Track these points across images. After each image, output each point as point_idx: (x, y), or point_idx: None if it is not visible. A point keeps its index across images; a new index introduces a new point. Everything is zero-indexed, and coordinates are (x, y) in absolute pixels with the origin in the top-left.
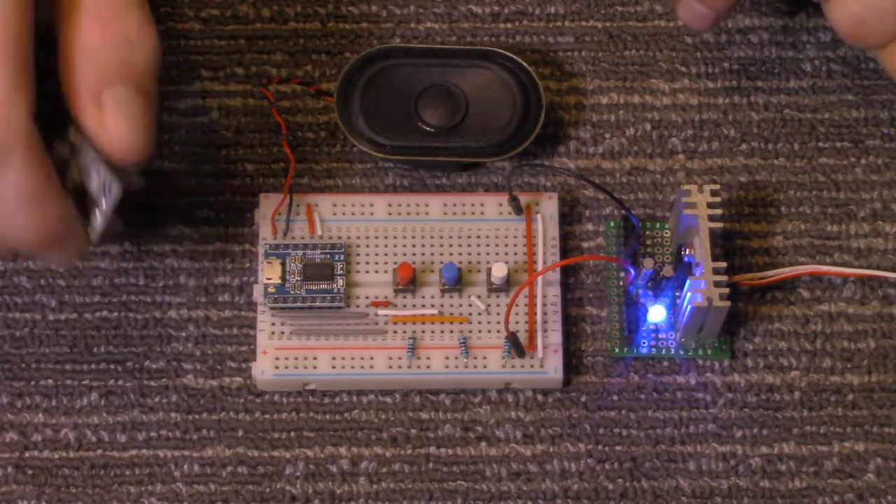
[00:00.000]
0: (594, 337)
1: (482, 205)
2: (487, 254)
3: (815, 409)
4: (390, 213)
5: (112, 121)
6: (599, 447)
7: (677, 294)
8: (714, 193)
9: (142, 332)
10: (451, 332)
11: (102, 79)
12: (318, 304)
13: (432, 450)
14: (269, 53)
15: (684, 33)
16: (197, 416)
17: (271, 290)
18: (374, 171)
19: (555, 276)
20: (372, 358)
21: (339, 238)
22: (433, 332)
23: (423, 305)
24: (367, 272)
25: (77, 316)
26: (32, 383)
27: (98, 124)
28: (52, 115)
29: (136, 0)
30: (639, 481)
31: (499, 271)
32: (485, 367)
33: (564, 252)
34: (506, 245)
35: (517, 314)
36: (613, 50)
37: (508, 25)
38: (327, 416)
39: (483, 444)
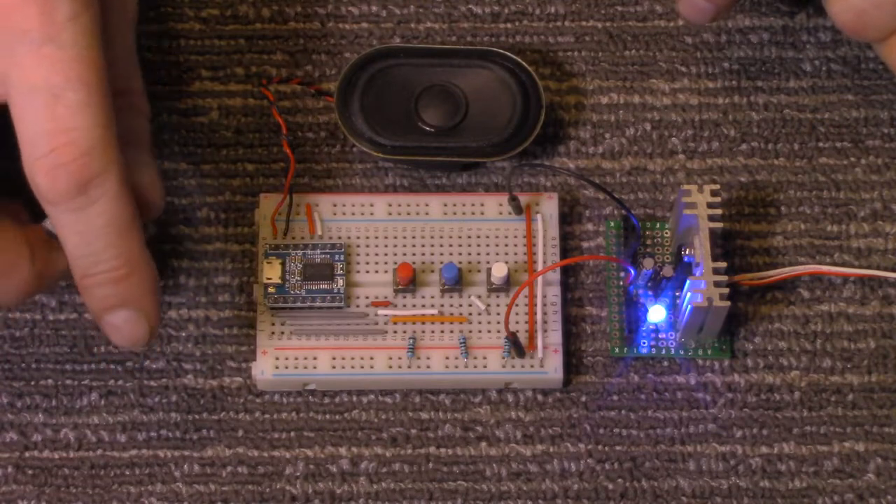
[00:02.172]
0: (594, 337)
1: (482, 205)
2: (487, 254)
3: (815, 409)
4: (390, 213)
5: (140, 184)
6: (599, 447)
7: (677, 294)
8: (714, 193)
9: None
10: (451, 332)
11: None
12: (318, 304)
13: (432, 450)
14: (269, 53)
15: (684, 33)
16: (197, 416)
17: (271, 290)
18: (374, 171)
19: (555, 276)
20: (372, 358)
21: (339, 238)
22: (433, 332)
23: (423, 305)
24: (367, 272)
25: (77, 316)
26: (32, 383)
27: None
28: None
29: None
30: (639, 481)
31: (499, 271)
32: (485, 367)
33: (564, 252)
34: (506, 245)
35: (517, 314)
36: (613, 50)
37: (508, 25)
38: (327, 416)
39: (483, 444)
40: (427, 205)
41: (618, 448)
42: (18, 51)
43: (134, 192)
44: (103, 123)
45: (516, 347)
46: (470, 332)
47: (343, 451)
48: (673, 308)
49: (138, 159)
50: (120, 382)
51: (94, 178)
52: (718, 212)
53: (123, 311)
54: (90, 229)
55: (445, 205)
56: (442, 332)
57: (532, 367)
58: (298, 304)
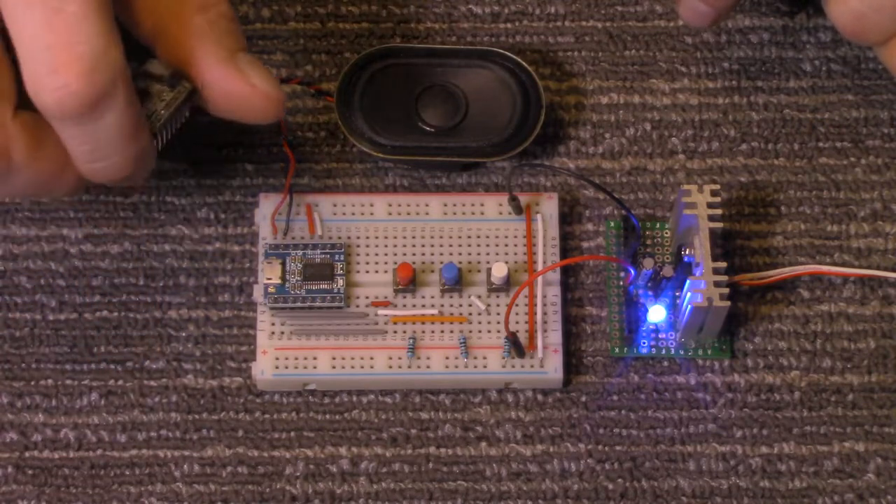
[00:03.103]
0: (594, 337)
1: (482, 205)
2: (487, 254)
3: (815, 409)
4: (390, 213)
5: (259, 81)
6: (599, 447)
7: (677, 294)
8: (714, 193)
9: (142, 332)
10: (451, 332)
11: (230, 44)
12: (318, 304)
13: (432, 450)
14: (269, 53)
15: (684, 33)
16: (197, 416)
17: (271, 290)
18: (374, 171)
19: (555, 276)
20: (372, 358)
21: (339, 238)
22: (433, 332)
23: (423, 305)
24: (367, 272)
25: (77, 316)
26: (32, 383)
27: (245, 86)
28: None
29: None
30: (639, 481)
31: (499, 271)
32: (485, 367)
33: (564, 252)
34: (506, 245)
35: (517, 314)
36: (613, 50)
37: (508, 25)
38: (327, 416)
39: (483, 444)
40: (427, 205)
41: (618, 448)
42: None
43: (257, 93)
44: (106, 33)
45: (516, 347)
46: (470, 332)
47: (343, 451)
48: (673, 308)
49: (246, 63)
50: (120, 382)
51: (102, 95)
52: (718, 212)
53: (122, 181)
54: (97, 140)
55: (445, 205)
56: (442, 332)
57: (532, 367)
58: (298, 304)
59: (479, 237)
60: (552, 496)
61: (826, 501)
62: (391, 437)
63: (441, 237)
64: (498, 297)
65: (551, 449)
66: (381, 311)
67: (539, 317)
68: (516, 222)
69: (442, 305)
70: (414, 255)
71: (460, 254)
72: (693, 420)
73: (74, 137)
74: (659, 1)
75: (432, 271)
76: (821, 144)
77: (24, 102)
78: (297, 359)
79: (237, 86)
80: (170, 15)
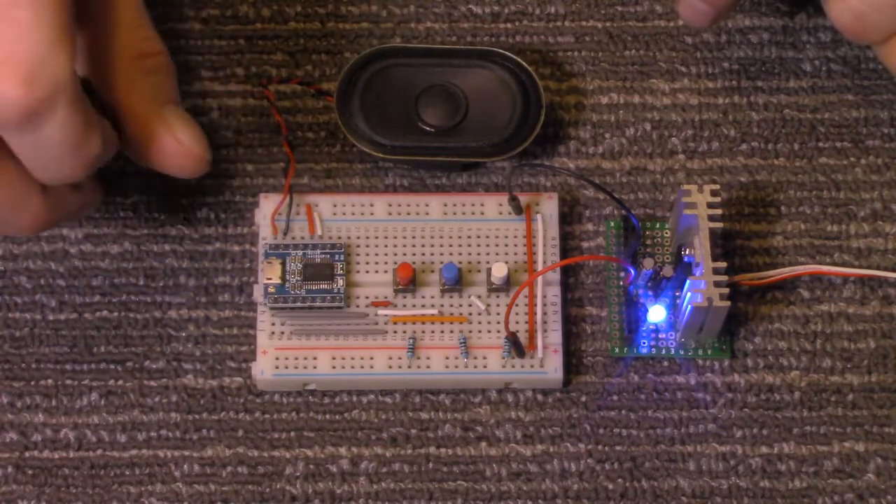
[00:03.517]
0: (594, 337)
1: (482, 205)
2: (487, 254)
3: (815, 409)
4: (390, 213)
5: (185, 137)
6: (599, 447)
7: (677, 294)
8: (714, 193)
9: (142, 332)
10: (451, 332)
11: (161, 96)
12: (318, 304)
13: (432, 450)
14: (269, 53)
15: (684, 33)
16: (197, 416)
17: (271, 290)
18: (374, 171)
19: (555, 276)
20: (372, 358)
21: (339, 238)
22: (433, 332)
23: (423, 305)
24: (367, 272)
25: (77, 316)
26: (32, 383)
27: (168, 140)
28: None
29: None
30: (639, 481)
31: (499, 271)
32: (485, 367)
33: (564, 252)
34: (506, 245)
35: (517, 314)
36: (613, 50)
37: (508, 25)
38: (327, 416)
39: (483, 444)
40: (427, 205)
41: (618, 448)
42: None
43: (180, 149)
44: (52, 42)
45: (516, 347)
46: (470, 332)
47: (343, 451)
48: (673, 308)
49: (174, 116)
50: (120, 382)
51: (40, 106)
52: (718, 212)
53: (76, 194)
54: (38, 149)
55: (445, 205)
56: (442, 332)
57: (532, 367)
58: (298, 304)
59: (479, 237)
60: (552, 496)
61: (826, 501)
62: (391, 437)
63: (441, 237)
64: (498, 297)
65: (551, 449)
66: (381, 311)
67: (539, 317)
68: (516, 222)
69: (442, 305)
70: (414, 255)
71: (460, 254)
72: (693, 420)
73: (16, 146)
74: (659, 1)
75: (432, 271)
76: (821, 144)
77: None
78: (297, 359)
79: (160, 139)
80: (107, 57)
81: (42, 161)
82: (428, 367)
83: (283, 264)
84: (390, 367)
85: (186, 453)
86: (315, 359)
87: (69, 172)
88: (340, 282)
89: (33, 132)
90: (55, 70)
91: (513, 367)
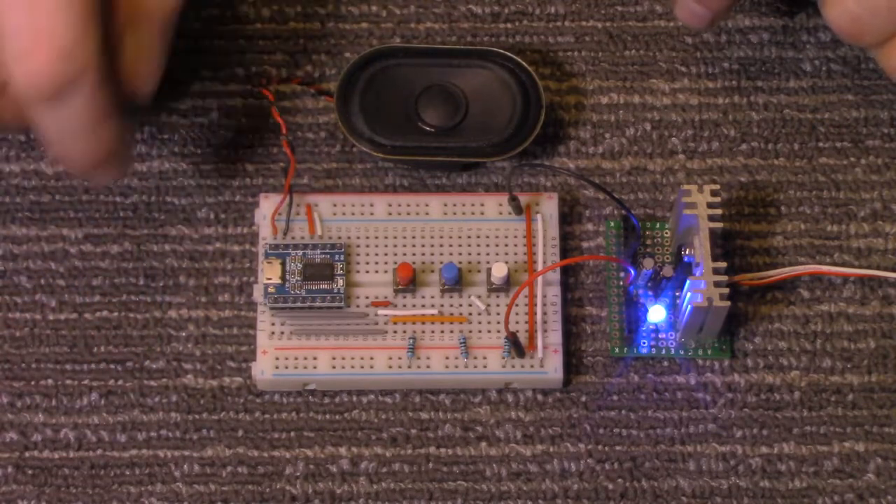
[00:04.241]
0: (594, 337)
1: (482, 205)
2: (487, 254)
3: (815, 409)
4: (390, 213)
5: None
6: (599, 447)
7: (677, 294)
8: (714, 193)
9: (142, 332)
10: (451, 332)
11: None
12: (318, 304)
13: (432, 450)
14: (269, 53)
15: (684, 33)
16: (197, 416)
17: (271, 290)
18: (374, 171)
19: (555, 276)
20: (372, 358)
21: (339, 238)
22: (433, 332)
23: (423, 305)
24: (367, 272)
25: (77, 316)
26: (32, 383)
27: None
28: None
29: None
30: (639, 481)
31: (499, 271)
32: (485, 367)
33: (564, 252)
34: (506, 245)
35: (517, 314)
36: (613, 50)
37: (508, 25)
38: (327, 416)
39: (483, 444)
40: (427, 205)
41: (618, 448)
42: None
43: (127, 71)
44: (83, 23)
45: (516, 347)
46: (470, 332)
47: (343, 451)
48: (673, 308)
49: (137, 39)
50: (120, 382)
51: (70, 82)
52: (718, 212)
53: (97, 171)
54: (65, 123)
55: (445, 205)
56: (442, 332)
57: (532, 367)
58: (298, 304)
59: (479, 237)
60: (552, 496)
61: (826, 501)
62: (391, 437)
63: (441, 237)
64: (498, 297)
65: (551, 449)
66: (381, 311)
67: (539, 317)
68: (516, 222)
69: (442, 305)
70: (414, 255)
71: (460, 254)
72: (693, 420)
73: (43, 118)
74: (659, 1)
75: (432, 271)
76: (821, 144)
77: None
78: (297, 359)
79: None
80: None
81: (63, 137)
82: (428, 367)
83: (283, 264)
84: (390, 367)
85: (186, 453)
86: (315, 359)
87: (88, 153)
88: (340, 282)
89: (59, 107)
90: (85, 49)
91: (513, 367)
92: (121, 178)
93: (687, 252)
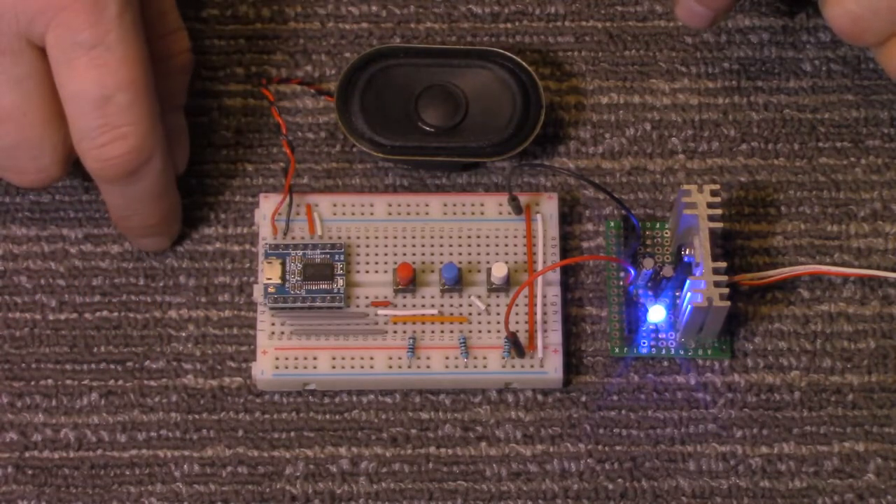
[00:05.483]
0: (594, 337)
1: (482, 205)
2: (487, 254)
3: (815, 409)
4: (390, 213)
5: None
6: (599, 447)
7: (677, 294)
8: (714, 193)
9: (142, 332)
10: (451, 332)
11: (169, 101)
12: (318, 304)
13: (432, 450)
14: (269, 53)
15: (684, 33)
16: (197, 416)
17: (271, 290)
18: (374, 171)
19: (555, 276)
20: (372, 358)
21: (339, 238)
22: (433, 332)
23: (423, 305)
24: (367, 272)
25: (77, 316)
26: (32, 383)
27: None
28: None
29: None
30: (639, 481)
31: (499, 271)
32: (485, 367)
33: (564, 252)
34: (506, 245)
35: (517, 314)
36: (613, 50)
37: (508, 25)
38: (327, 416)
39: (483, 444)
40: (427, 205)
41: (618, 448)
42: (71, 55)
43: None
44: (149, 117)
45: (516, 347)
46: (470, 332)
47: (343, 451)
48: (673, 308)
49: (173, 123)
50: (120, 382)
51: (140, 167)
52: (718, 212)
53: (150, 238)
54: (132, 199)
55: (445, 205)
56: (442, 332)
57: (532, 367)
58: (298, 304)
59: (479, 237)
60: (552, 496)
61: (826, 501)
62: (391, 437)
63: (441, 237)
64: (498, 297)
65: (551, 449)
66: (381, 311)
67: (539, 317)
68: (516, 222)
69: (442, 305)
70: (414, 255)
71: (460, 254)
72: (693, 420)
73: (109, 193)
74: (659, 1)
75: (432, 271)
76: (821, 144)
77: None
78: (297, 359)
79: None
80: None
81: (128, 209)
82: (428, 367)
83: (283, 264)
84: (390, 367)
85: (186, 453)
86: (315, 359)
87: (149, 220)
88: (340, 282)
89: (130, 186)
90: (154, 137)
91: (513, 367)
92: (170, 243)
93: (687, 252)
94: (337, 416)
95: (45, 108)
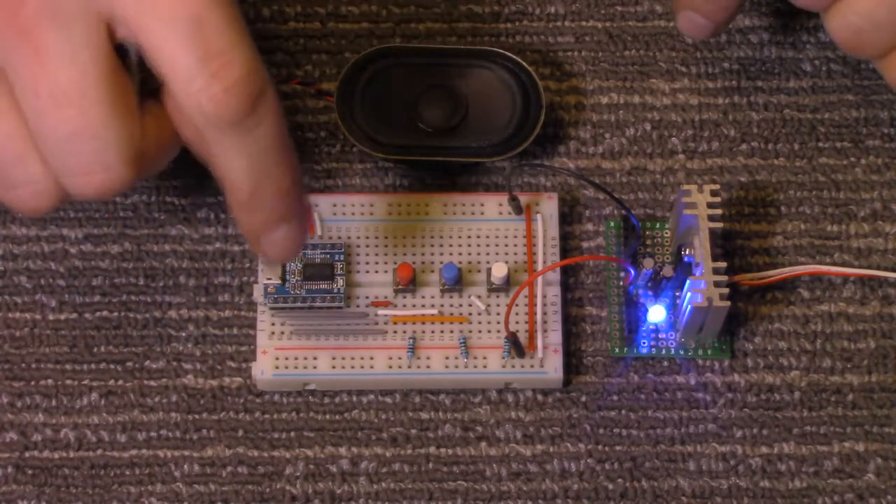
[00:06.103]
0: (594, 337)
1: (482, 205)
2: (487, 254)
3: (815, 409)
4: (390, 213)
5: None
6: (599, 447)
7: (677, 294)
8: (714, 193)
9: (142, 332)
10: (451, 332)
11: None
12: (318, 304)
13: (432, 450)
14: (269, 53)
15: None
16: (197, 416)
17: (271, 290)
18: (374, 171)
19: (555, 276)
20: (372, 358)
21: (339, 238)
22: (433, 332)
23: (423, 305)
24: (367, 272)
25: (77, 316)
26: (32, 383)
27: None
28: None
29: None
30: (639, 481)
31: (499, 271)
32: (485, 367)
33: (564, 252)
34: (506, 245)
35: (517, 314)
36: (613, 50)
37: (508, 25)
38: (327, 416)
39: (483, 444)
40: (427, 205)
41: (618, 448)
42: None
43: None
44: (249, 41)
45: (516, 347)
46: (470, 332)
47: (343, 451)
48: (673, 308)
49: None
50: (120, 382)
51: (259, 94)
52: (718, 212)
53: (285, 225)
54: (261, 148)
55: (445, 205)
56: (442, 332)
57: (532, 367)
58: (298, 304)
59: (479, 237)
60: (552, 496)
61: (826, 501)
62: (391, 437)
63: (441, 237)
64: (498, 297)
65: (551, 449)
66: (381, 311)
67: (539, 317)
68: (516, 222)
69: (442, 305)
70: (414, 255)
71: (460, 254)
72: (693, 420)
73: (231, 154)
74: (659, 1)
75: (432, 271)
76: (821, 144)
77: None
78: (297, 359)
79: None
80: None
81: (255, 167)
82: (428, 367)
83: (283, 264)
84: (390, 367)
85: (186, 453)
86: (315, 359)
87: (282, 175)
88: (340, 282)
89: (256, 127)
90: (259, 59)
91: (513, 367)
92: (298, 253)
93: (687, 252)
94: (337, 416)
95: (109, 89)
